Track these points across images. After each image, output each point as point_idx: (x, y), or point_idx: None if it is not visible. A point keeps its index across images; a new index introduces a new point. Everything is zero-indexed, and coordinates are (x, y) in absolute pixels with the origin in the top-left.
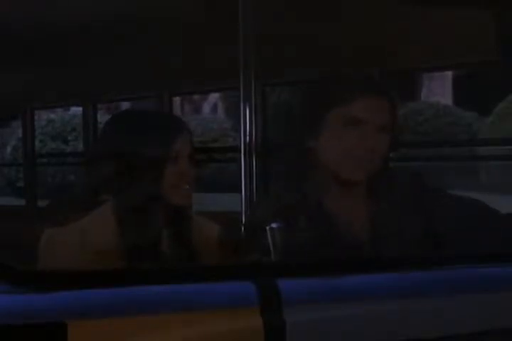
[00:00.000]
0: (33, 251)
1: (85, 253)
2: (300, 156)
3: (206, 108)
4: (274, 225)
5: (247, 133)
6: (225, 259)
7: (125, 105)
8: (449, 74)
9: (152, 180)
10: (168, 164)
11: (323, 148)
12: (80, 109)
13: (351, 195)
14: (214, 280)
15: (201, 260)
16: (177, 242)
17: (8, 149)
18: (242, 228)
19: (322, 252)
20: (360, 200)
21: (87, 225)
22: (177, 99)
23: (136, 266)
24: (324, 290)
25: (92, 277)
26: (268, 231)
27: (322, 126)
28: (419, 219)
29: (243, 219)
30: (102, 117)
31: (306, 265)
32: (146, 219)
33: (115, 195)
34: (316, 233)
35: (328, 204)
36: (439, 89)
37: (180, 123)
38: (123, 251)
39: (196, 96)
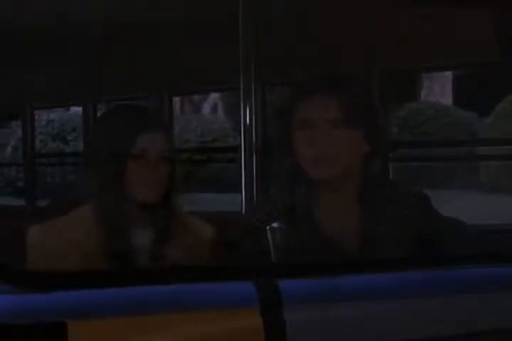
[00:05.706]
0: None
1: (62, 252)
2: (290, 159)
3: (206, 108)
4: (274, 225)
5: (247, 133)
6: (217, 259)
7: None
8: (449, 74)
9: (116, 178)
10: (131, 161)
11: (295, 152)
12: (80, 109)
13: (340, 200)
14: (214, 280)
15: (189, 260)
16: (160, 241)
17: (8, 149)
18: (237, 230)
19: (304, 255)
20: (350, 207)
21: (65, 224)
22: (177, 99)
23: (131, 266)
24: (324, 290)
25: (92, 277)
26: (268, 231)
27: (290, 130)
28: (407, 232)
29: (240, 220)
30: None
31: (306, 265)
32: (118, 217)
33: (90, 193)
34: (300, 237)
35: (316, 209)
36: (439, 89)
37: (152, 120)
38: (99, 250)
39: (196, 96)
